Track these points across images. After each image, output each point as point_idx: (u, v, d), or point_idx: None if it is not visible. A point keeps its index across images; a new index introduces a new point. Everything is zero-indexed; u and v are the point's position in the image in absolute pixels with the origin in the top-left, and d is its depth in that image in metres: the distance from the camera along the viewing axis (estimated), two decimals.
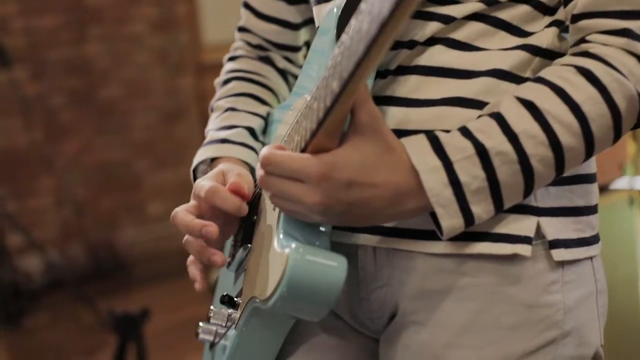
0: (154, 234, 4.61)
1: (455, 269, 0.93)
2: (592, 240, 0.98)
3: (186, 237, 1.00)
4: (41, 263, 4.09)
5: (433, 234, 0.91)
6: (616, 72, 0.87)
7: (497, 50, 0.92)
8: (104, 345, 3.18)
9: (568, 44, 0.94)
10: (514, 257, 0.92)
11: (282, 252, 0.87)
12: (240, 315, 1.00)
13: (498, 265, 0.92)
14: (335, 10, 0.98)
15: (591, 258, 0.97)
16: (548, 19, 0.93)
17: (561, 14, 0.93)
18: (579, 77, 0.87)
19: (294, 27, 1.19)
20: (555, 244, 0.93)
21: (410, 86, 0.93)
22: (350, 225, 0.91)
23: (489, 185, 0.86)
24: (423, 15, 0.93)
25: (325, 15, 1.00)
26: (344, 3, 0.96)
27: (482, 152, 0.86)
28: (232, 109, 1.16)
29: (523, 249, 0.91)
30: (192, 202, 1.02)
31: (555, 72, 0.89)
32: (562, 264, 0.94)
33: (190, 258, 1.05)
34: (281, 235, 0.90)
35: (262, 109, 1.17)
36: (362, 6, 0.75)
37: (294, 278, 0.85)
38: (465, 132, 0.87)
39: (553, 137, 0.86)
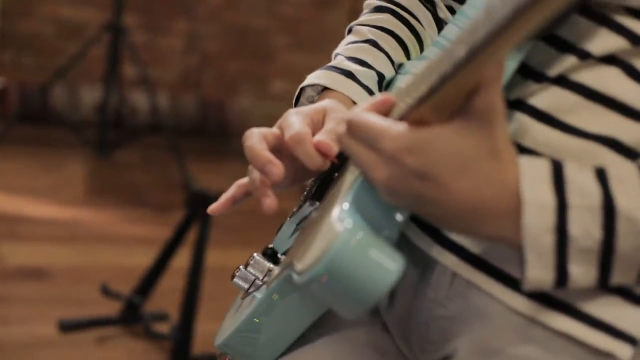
0: (269, 110, 4.52)
1: (540, 339, 0.74)
2: None
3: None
4: (149, 103, 4.05)
5: (518, 284, 0.73)
6: None
7: None
8: (177, 207, 3.14)
9: None
10: (605, 355, 0.72)
11: (336, 225, 0.71)
12: (276, 276, 0.86)
13: (584, 356, 0.72)
14: None
15: None
16: None
17: None
18: None
19: None
20: None
21: (563, 104, 0.74)
22: (419, 215, 0.74)
23: (602, 250, 0.67)
24: (610, 25, 0.72)
25: None
26: None
27: (609, 208, 0.66)
28: (374, 44, 0.99)
29: (622, 350, 0.72)
30: (276, 130, 0.86)
31: None
32: None
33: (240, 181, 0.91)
34: (346, 204, 0.74)
35: (401, 58, 1.00)
36: None
37: (335, 262, 0.69)
38: (600, 175, 0.67)
39: None
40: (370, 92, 0.94)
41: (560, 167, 0.67)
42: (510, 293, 0.75)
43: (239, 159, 3.89)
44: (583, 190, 0.66)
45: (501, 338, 0.75)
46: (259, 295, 0.90)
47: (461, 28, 0.83)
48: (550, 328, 0.73)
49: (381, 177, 0.69)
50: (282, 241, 0.97)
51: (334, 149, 0.82)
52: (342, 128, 0.73)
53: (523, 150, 0.74)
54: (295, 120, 0.84)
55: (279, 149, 0.84)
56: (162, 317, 2.47)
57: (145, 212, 3.34)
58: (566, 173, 0.67)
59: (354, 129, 0.71)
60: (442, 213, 0.68)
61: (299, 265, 0.74)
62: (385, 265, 0.68)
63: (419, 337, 0.83)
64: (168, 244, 2.43)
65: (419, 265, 0.82)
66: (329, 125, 0.85)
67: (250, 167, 0.85)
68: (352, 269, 0.68)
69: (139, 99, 4.14)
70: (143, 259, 2.63)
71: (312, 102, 0.95)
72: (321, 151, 0.81)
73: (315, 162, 0.81)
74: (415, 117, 0.68)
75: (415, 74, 0.72)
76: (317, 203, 0.91)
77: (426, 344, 0.82)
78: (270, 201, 0.83)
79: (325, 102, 0.89)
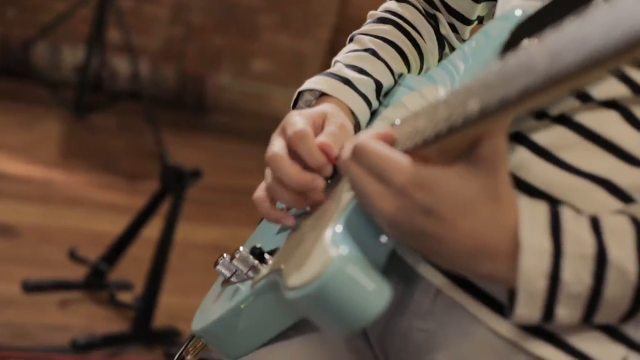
0: (248, 88, 4.53)
1: None
2: None
3: (270, 182, 0.88)
4: (130, 70, 4.04)
5: (503, 308, 0.77)
6: None
7: None
8: (149, 177, 3.15)
9: None
10: None
11: (329, 249, 0.73)
12: (262, 278, 0.89)
13: None
14: (517, 14, 0.81)
15: None
16: None
17: None
18: None
19: None
20: None
21: (562, 142, 0.78)
22: (415, 249, 0.76)
23: (590, 296, 0.71)
24: (616, 73, 0.76)
25: (503, 15, 0.84)
26: (535, 12, 0.79)
27: (601, 259, 0.70)
28: (373, 53, 1.01)
29: None
30: (282, 141, 0.88)
31: None
32: None
33: (260, 197, 0.92)
34: (338, 227, 0.77)
35: (401, 69, 1.03)
36: (548, 39, 0.58)
37: (327, 288, 0.71)
38: (594, 225, 0.71)
39: None
40: (367, 100, 0.97)
41: (557, 214, 0.71)
42: (495, 317, 0.78)
43: (214, 134, 3.93)
44: (578, 239, 0.70)
45: (481, 358, 0.79)
46: (243, 289, 0.93)
47: (473, 71, 0.85)
48: (533, 355, 0.77)
49: (387, 209, 0.70)
50: (267, 237, 1.00)
51: (335, 151, 0.85)
52: (346, 152, 0.74)
53: (520, 182, 0.77)
54: (298, 119, 0.87)
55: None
56: (126, 286, 2.49)
57: (117, 179, 3.35)
58: (563, 220, 0.70)
59: (361, 156, 0.72)
60: (442, 250, 0.70)
61: (291, 281, 0.77)
62: (375, 294, 0.71)
63: (397, 347, 0.86)
64: (139, 216, 2.44)
65: (404, 277, 0.85)
66: (329, 128, 0.88)
67: (272, 187, 0.88)
68: (342, 295, 0.71)
69: (121, 65, 4.12)
70: (111, 225, 2.64)
71: (310, 106, 0.97)
72: (322, 152, 0.85)
73: (316, 159, 0.84)
74: (419, 155, 0.70)
75: (423, 108, 0.74)
76: (308, 208, 0.94)
77: (404, 354, 0.85)
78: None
79: (325, 107, 0.92)
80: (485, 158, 0.68)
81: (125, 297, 2.45)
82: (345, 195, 0.82)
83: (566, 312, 0.71)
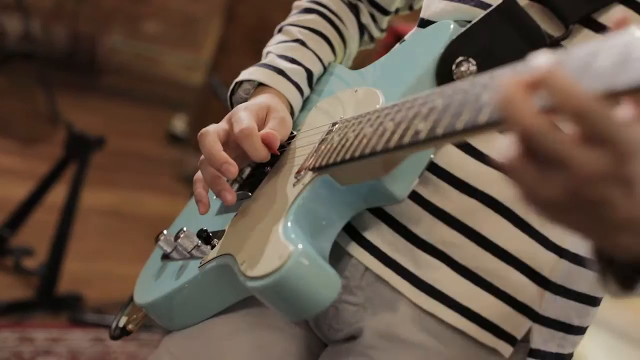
0: (139, 50, 4.51)
1: (434, 330, 0.90)
2: (567, 357, 0.96)
3: (203, 157, 0.96)
4: (21, 29, 3.95)
5: (424, 284, 0.89)
6: None
7: None
8: (44, 141, 3.12)
9: None
10: (491, 350, 0.89)
11: (285, 245, 0.82)
12: (210, 260, 0.97)
13: (473, 350, 0.89)
14: (451, 26, 0.91)
15: None
16: None
17: None
18: None
19: None
20: (535, 353, 0.91)
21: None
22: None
23: None
24: None
25: (438, 25, 0.93)
26: (468, 26, 0.89)
27: None
28: (302, 43, 1.11)
29: (505, 348, 0.89)
30: (224, 125, 0.97)
31: None
32: None
33: (199, 177, 1.00)
34: (290, 223, 0.85)
35: (329, 57, 1.13)
36: (482, 77, 0.63)
37: (285, 281, 0.80)
38: None
39: None
40: (300, 89, 1.07)
41: None
42: (414, 290, 0.90)
43: (106, 96, 3.90)
44: None
45: (402, 326, 0.90)
46: (190, 268, 1.00)
47: (408, 77, 0.91)
48: (445, 322, 0.89)
49: (591, 172, 0.56)
50: (206, 216, 1.06)
51: (278, 143, 0.94)
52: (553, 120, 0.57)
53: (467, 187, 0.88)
54: (244, 115, 0.95)
55: (227, 142, 0.96)
56: (28, 252, 2.49)
57: (12, 142, 3.30)
58: None
59: (588, 119, 0.55)
60: (607, 220, 0.60)
61: (249, 271, 0.84)
62: (328, 283, 0.80)
63: (329, 318, 0.96)
64: (42, 182, 2.44)
65: (335, 256, 0.94)
66: (272, 123, 0.97)
67: (203, 162, 0.96)
68: (300, 286, 0.80)
69: (12, 24, 4.02)
70: (9, 190, 2.63)
71: (249, 94, 1.07)
72: (267, 142, 0.93)
73: (260, 154, 0.93)
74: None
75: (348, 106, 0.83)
76: (250, 194, 1.01)
77: (335, 324, 0.96)
78: (230, 195, 0.94)
79: (267, 99, 1.01)
80: None
81: (27, 263, 2.45)
82: (292, 189, 0.90)
83: None
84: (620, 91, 0.53)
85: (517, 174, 0.58)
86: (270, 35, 1.19)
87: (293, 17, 1.16)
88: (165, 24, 4.55)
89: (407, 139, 0.70)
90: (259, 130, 0.95)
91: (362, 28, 1.18)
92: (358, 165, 0.80)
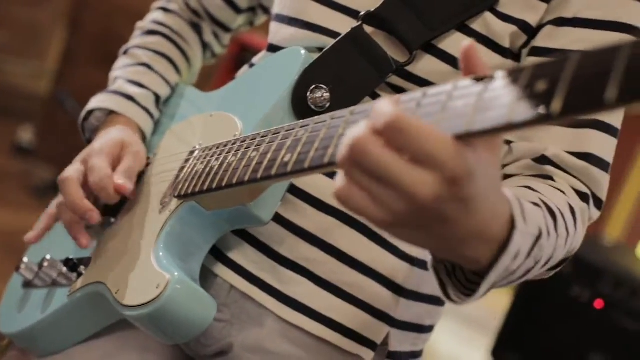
0: None
1: (300, 341, 0.95)
2: (418, 354, 1.04)
3: (62, 200, 0.98)
4: None
5: (288, 299, 0.94)
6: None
7: None
8: None
9: None
10: (354, 356, 0.95)
11: (161, 274, 0.85)
12: (80, 288, 0.98)
13: (337, 357, 0.95)
14: (302, 52, 0.94)
15: None
16: None
17: None
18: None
19: (237, 10, 1.18)
20: (393, 355, 0.98)
21: None
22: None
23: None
24: None
25: (290, 51, 0.97)
26: (320, 54, 0.93)
27: (537, 239, 0.75)
28: (148, 67, 1.14)
29: (366, 353, 0.95)
30: (81, 167, 0.99)
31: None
32: None
33: (51, 211, 1.02)
34: (161, 252, 0.88)
35: (175, 78, 1.16)
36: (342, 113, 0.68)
37: (165, 309, 0.84)
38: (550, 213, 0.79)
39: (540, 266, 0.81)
40: (150, 113, 1.10)
41: (521, 203, 0.71)
42: (279, 305, 0.95)
43: None
44: (535, 223, 0.73)
45: (269, 339, 0.95)
46: (58, 297, 1.00)
47: (262, 103, 0.94)
48: (310, 333, 0.94)
49: (425, 196, 0.59)
50: (66, 242, 1.04)
51: (130, 189, 0.98)
52: (363, 130, 0.60)
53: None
54: (97, 163, 0.98)
55: (84, 183, 0.99)
56: None
57: None
58: (525, 210, 0.71)
59: (402, 136, 0.58)
60: (448, 234, 0.63)
61: (126, 301, 0.87)
62: (205, 309, 0.86)
63: (197, 337, 0.97)
64: None
65: (201, 276, 0.96)
66: (127, 159, 1.00)
67: (61, 205, 0.99)
68: (178, 313, 0.84)
69: None
70: None
71: (101, 122, 1.10)
72: (119, 193, 0.97)
73: (113, 200, 0.98)
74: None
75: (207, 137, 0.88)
76: (112, 219, 1.03)
77: (204, 340, 0.99)
78: (85, 240, 0.99)
79: (121, 134, 1.03)
80: (497, 146, 0.65)
81: None
82: (158, 216, 0.93)
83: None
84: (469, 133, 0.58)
85: (348, 200, 0.60)
86: (116, 45, 1.22)
87: (137, 40, 1.19)
88: (8, 32, 4.40)
89: (274, 171, 0.73)
90: (115, 168, 0.99)
91: (205, 46, 1.23)
92: (224, 194, 0.83)
